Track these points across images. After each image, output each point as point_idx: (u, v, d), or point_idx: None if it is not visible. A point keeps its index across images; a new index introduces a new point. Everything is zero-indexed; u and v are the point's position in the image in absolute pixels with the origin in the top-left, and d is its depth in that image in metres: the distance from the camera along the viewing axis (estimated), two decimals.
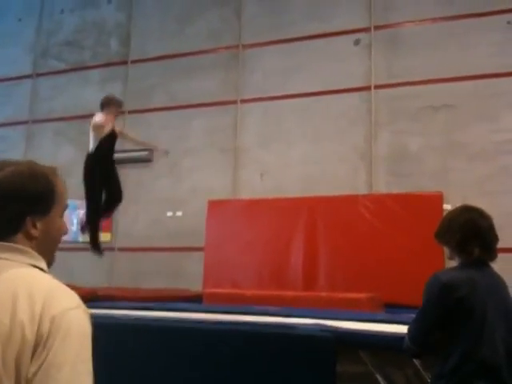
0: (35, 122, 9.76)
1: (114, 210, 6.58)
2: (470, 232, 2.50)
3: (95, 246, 6.20)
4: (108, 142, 6.00)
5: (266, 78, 8.34)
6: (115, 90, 9.21)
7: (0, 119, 9.89)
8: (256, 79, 8.41)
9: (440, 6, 7.52)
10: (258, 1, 8.65)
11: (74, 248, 8.02)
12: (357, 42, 7.90)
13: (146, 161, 8.72)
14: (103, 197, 6.11)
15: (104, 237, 8.60)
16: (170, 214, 8.41)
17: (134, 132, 7.39)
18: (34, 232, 1.32)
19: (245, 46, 8.61)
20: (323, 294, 5.69)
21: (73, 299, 1.25)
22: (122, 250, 8.65)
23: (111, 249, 8.66)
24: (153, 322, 3.99)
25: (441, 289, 2.38)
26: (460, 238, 2.50)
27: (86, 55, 9.73)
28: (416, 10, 7.67)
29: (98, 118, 5.93)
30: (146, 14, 9.40)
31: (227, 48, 8.75)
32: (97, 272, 8.47)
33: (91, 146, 5.93)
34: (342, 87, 7.80)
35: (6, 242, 1.28)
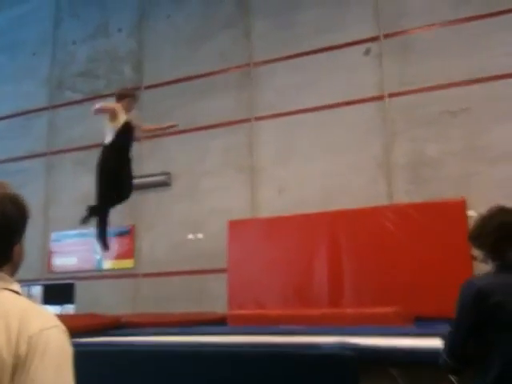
0: (54, 153, 9.88)
1: (120, 203, 6.25)
2: (504, 234, 2.36)
3: (102, 239, 6.00)
4: (124, 134, 5.80)
5: (279, 94, 8.32)
6: (130, 116, 9.28)
7: (19, 152, 10.03)
8: (269, 96, 8.40)
9: (449, 10, 7.43)
10: (266, 18, 8.66)
11: (98, 276, 8.04)
12: (367, 52, 7.84)
13: (165, 185, 8.73)
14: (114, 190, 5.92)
15: (127, 264, 8.66)
16: (191, 236, 8.38)
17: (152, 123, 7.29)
18: (16, 255, 1.34)
19: (256, 64, 8.62)
20: (349, 310, 5.57)
21: (49, 319, 1.24)
22: (145, 275, 8.64)
23: (135, 275, 8.67)
24: (176, 347, 3.93)
25: (475, 295, 2.25)
26: (494, 240, 2.37)
27: (101, 84, 9.83)
28: (425, 15, 7.59)
29: (111, 104, 5.81)
30: (157, 40, 9.49)
31: (238, 67, 8.77)
32: (121, 299, 8.47)
33: (107, 137, 5.77)
34: (355, 98, 7.73)
35: None
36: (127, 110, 5.88)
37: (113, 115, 5.69)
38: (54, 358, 1.16)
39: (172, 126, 6.99)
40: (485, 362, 2.23)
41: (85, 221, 5.94)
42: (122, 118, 5.76)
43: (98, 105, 5.81)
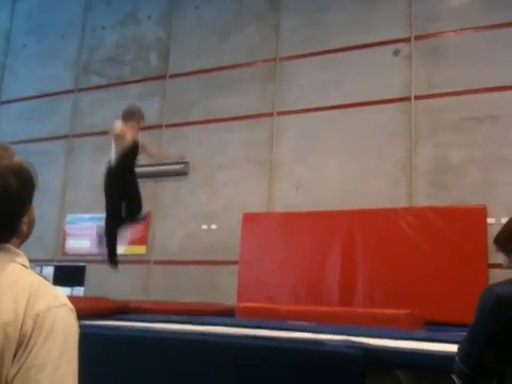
0: (75, 136, 9.93)
1: (135, 222, 6.25)
2: None
3: (111, 258, 5.92)
4: (130, 154, 5.74)
5: (304, 90, 8.24)
6: (153, 104, 9.32)
7: (42, 134, 10.10)
8: (293, 92, 8.33)
9: (482, 15, 7.29)
10: (296, 14, 8.59)
11: None
12: (396, 53, 7.73)
13: (182, 174, 8.71)
14: (123, 210, 5.86)
15: (139, 250, 8.67)
16: (204, 227, 8.36)
17: (167, 148, 7.26)
18: (24, 227, 1.29)
19: (282, 59, 8.55)
20: (360, 309, 5.49)
21: (58, 297, 1.19)
22: (157, 263, 8.64)
23: (147, 262, 8.68)
24: (178, 335, 3.89)
25: (495, 303, 2.15)
26: None
27: (126, 70, 9.86)
28: (457, 19, 7.46)
29: (119, 126, 5.69)
30: (185, 30, 9.48)
31: (265, 61, 8.72)
32: (133, 285, 8.48)
33: (112, 156, 5.69)
34: (380, 98, 7.62)
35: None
36: (134, 130, 5.79)
37: (120, 136, 5.62)
38: (59, 338, 1.12)
39: (174, 158, 6.89)
40: (500, 374, 2.13)
41: (112, 263, 5.90)
42: (129, 138, 5.66)
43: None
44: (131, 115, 5.85)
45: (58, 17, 10.67)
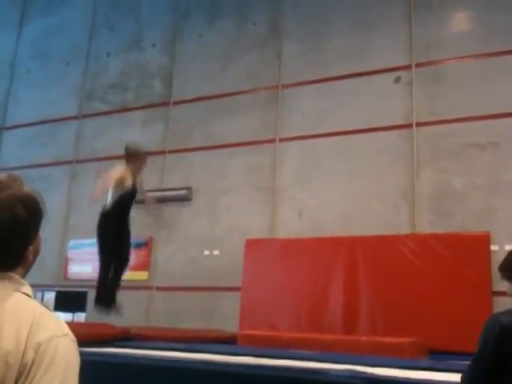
0: (79, 161, 9.98)
1: (122, 274, 5.75)
2: None
3: (107, 300, 5.52)
4: (128, 198, 5.39)
5: (305, 116, 8.30)
6: (157, 130, 9.38)
7: (45, 159, 10.15)
8: (295, 118, 8.38)
9: (482, 43, 7.37)
10: (297, 42, 8.70)
11: None
12: (397, 80, 7.79)
13: (186, 199, 8.72)
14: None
15: (141, 276, 8.63)
16: (207, 252, 8.33)
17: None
18: (30, 256, 1.28)
19: (284, 86, 8.63)
20: (363, 338, 5.43)
21: (60, 326, 1.18)
22: (159, 289, 8.59)
23: (149, 288, 8.63)
24: (180, 363, 3.86)
25: (499, 332, 2.11)
26: None
27: (130, 97, 9.95)
28: (458, 46, 7.54)
29: (119, 170, 5.36)
30: (189, 57, 9.59)
31: (267, 88, 8.80)
32: (135, 311, 8.41)
33: (108, 200, 5.34)
34: (382, 125, 7.67)
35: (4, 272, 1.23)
36: (136, 171, 5.47)
37: (120, 181, 5.30)
38: (60, 368, 1.11)
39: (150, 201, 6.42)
40: None
41: (108, 306, 5.54)
42: (129, 182, 5.35)
43: (100, 182, 5.43)
44: (135, 155, 5.50)
45: (62, 43, 10.81)
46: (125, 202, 5.40)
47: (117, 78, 10.18)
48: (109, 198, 5.40)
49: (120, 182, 5.30)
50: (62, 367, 1.11)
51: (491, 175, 6.91)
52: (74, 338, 1.19)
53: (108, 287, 5.54)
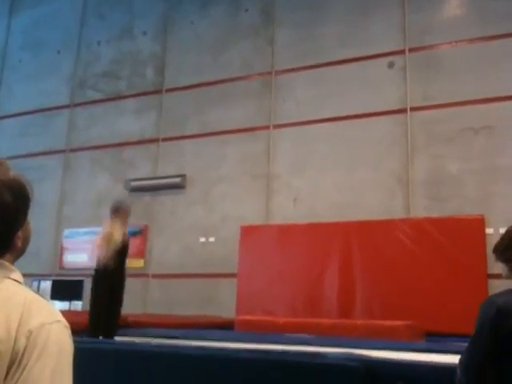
0: (72, 150, 9.93)
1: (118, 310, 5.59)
2: None
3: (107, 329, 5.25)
4: (121, 253, 5.48)
5: (299, 103, 8.28)
6: (150, 118, 9.34)
7: (38, 149, 10.09)
8: (289, 105, 8.36)
9: (476, 27, 7.35)
10: (290, 28, 8.65)
11: None
12: (391, 65, 7.78)
13: (180, 187, 8.71)
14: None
15: (137, 263, 8.63)
16: (202, 239, 8.34)
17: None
18: (18, 242, 1.25)
19: (277, 73, 8.59)
20: (359, 321, 5.47)
21: (52, 313, 1.15)
22: (155, 276, 8.60)
23: (145, 275, 8.64)
24: (178, 349, 3.87)
25: (495, 313, 2.09)
26: None
27: (122, 85, 9.89)
28: (452, 31, 7.52)
29: (107, 226, 5.56)
30: (181, 44, 9.53)
31: (260, 75, 8.76)
32: (131, 299, 8.40)
33: (102, 257, 5.40)
34: (376, 111, 7.66)
35: None
36: (123, 224, 5.64)
37: (109, 238, 5.43)
38: (52, 355, 1.09)
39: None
40: None
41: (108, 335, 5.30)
42: (118, 236, 5.48)
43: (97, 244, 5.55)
44: (119, 211, 5.72)
45: (53, 32, 10.70)
46: (118, 257, 5.46)
47: (109, 67, 10.11)
48: (102, 256, 5.43)
49: (109, 238, 5.44)
50: (55, 353, 1.09)
51: (486, 159, 6.93)
52: (67, 324, 1.16)
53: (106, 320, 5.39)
